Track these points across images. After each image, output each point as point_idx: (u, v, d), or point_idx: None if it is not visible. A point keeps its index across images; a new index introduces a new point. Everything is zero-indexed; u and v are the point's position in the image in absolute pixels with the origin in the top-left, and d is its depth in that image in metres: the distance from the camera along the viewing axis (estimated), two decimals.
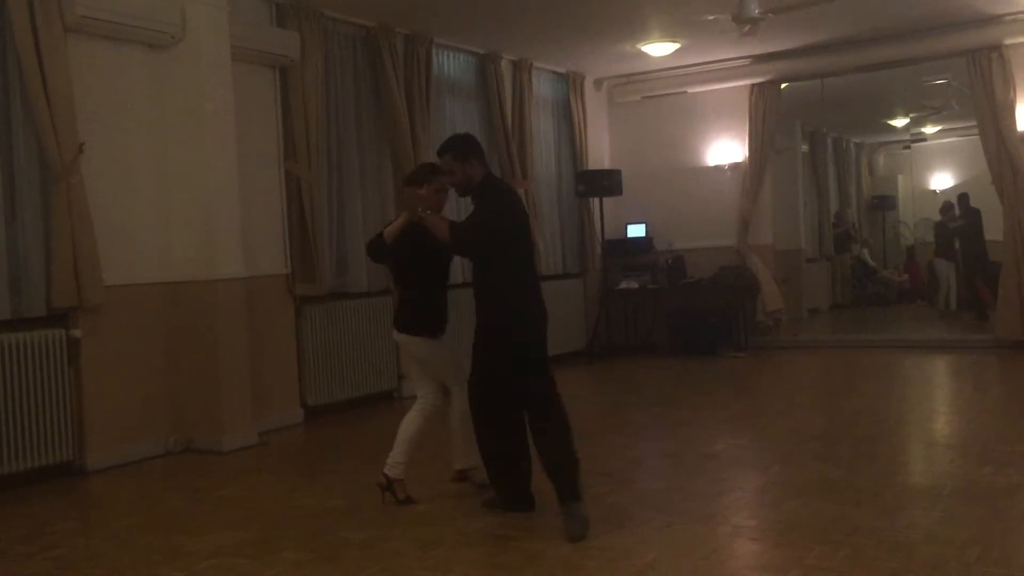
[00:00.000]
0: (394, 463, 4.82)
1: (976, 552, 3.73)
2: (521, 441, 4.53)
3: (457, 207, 7.39)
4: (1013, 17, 9.16)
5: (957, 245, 12.89)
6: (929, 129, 15.71)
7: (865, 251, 16.09)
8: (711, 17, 7.82)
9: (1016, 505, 4.43)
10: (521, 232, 4.62)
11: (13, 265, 5.70)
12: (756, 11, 7.21)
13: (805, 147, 14.38)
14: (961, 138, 15.00)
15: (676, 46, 9.53)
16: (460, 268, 7.57)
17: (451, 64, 9.28)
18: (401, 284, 5.04)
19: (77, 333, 5.93)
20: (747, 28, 7.41)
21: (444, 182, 4.71)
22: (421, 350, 4.91)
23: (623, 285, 10.94)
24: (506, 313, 4.44)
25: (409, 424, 4.86)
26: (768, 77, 10.54)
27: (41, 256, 5.80)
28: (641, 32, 9.15)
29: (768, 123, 10.62)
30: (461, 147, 4.62)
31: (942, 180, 16.93)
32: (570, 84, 10.81)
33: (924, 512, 4.38)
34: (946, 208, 13.13)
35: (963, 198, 12.72)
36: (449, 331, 4.97)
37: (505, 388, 4.45)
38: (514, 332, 4.42)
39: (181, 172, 6.49)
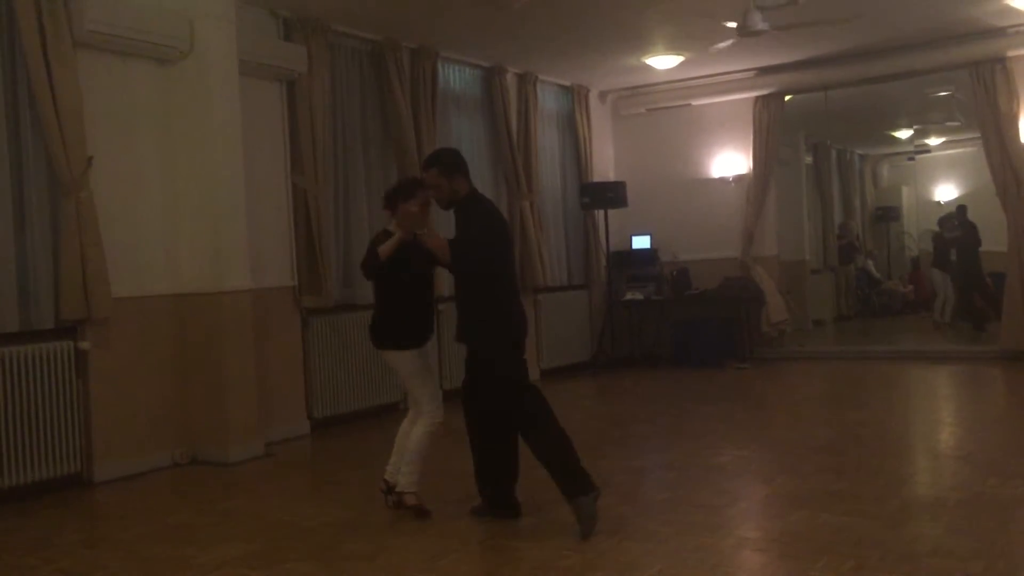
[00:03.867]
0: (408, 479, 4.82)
1: (981, 564, 3.72)
2: (505, 450, 4.65)
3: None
4: (1016, 29, 9.18)
5: (953, 256, 12.73)
6: (933, 141, 15.72)
7: (869, 262, 16.08)
8: (722, 45, 7.90)
9: (1022, 517, 4.43)
10: (506, 248, 4.75)
11: (22, 278, 5.73)
12: (760, 24, 7.24)
13: (809, 159, 14.39)
14: (965, 149, 15.03)
15: (680, 59, 9.57)
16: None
17: (457, 78, 9.33)
18: (386, 299, 4.91)
19: (85, 345, 5.96)
20: (732, 40, 7.44)
21: (429, 196, 4.72)
22: (407, 363, 4.87)
23: (628, 296, 10.95)
24: (487, 327, 4.58)
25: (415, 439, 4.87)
26: (772, 89, 10.57)
27: (50, 269, 5.84)
28: (645, 45, 9.19)
29: (772, 135, 10.65)
30: (448, 162, 4.70)
31: (946, 191, 16.93)
32: (575, 97, 10.86)
33: (929, 524, 4.38)
34: (944, 220, 13.11)
35: (961, 210, 12.73)
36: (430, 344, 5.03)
37: (487, 398, 4.61)
38: (496, 346, 4.57)
39: (189, 185, 6.53)
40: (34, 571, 4.29)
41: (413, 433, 4.86)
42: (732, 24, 7.38)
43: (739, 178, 10.85)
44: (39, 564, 4.38)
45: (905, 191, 17.53)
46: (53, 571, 4.27)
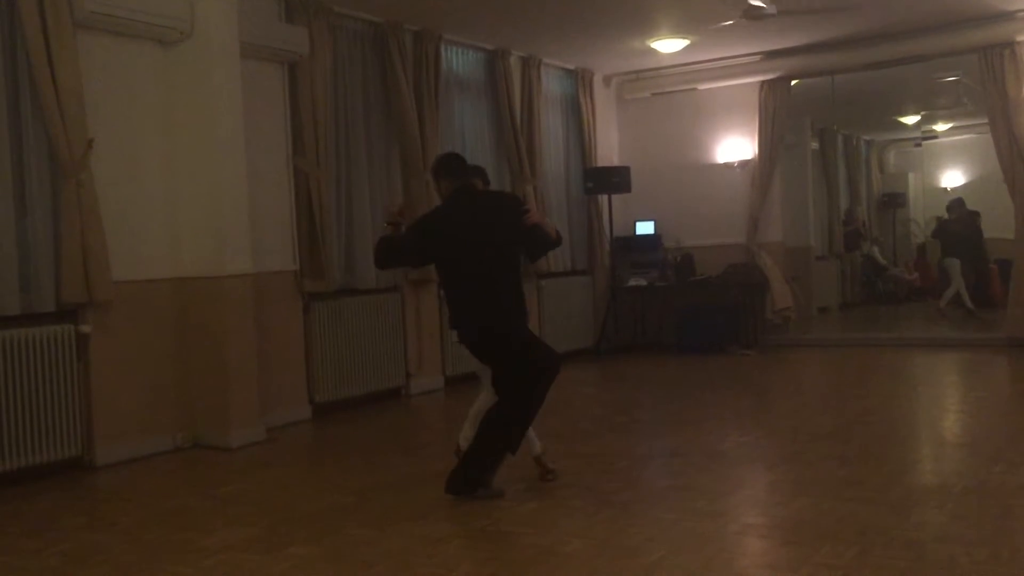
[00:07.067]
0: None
1: (986, 551, 3.70)
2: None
3: None
4: None
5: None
6: (940, 126, 15.62)
7: (875, 249, 16.01)
8: (728, 23, 7.80)
9: None
10: (446, 243, 4.85)
11: (23, 261, 5.70)
12: (768, 8, 7.18)
13: (815, 144, 14.31)
14: (972, 135, 14.93)
15: (686, 42, 9.49)
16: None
17: (460, 60, 9.27)
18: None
19: (86, 329, 5.94)
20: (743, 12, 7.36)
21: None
22: None
23: (631, 282, 10.91)
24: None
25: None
26: (778, 74, 10.50)
27: (50, 252, 5.81)
28: (651, 28, 9.12)
29: (778, 120, 10.58)
30: (433, 168, 5.21)
31: (953, 178, 16.83)
32: (579, 81, 10.79)
33: (934, 511, 4.36)
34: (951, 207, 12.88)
35: (959, 201, 12.76)
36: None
37: None
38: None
39: (190, 168, 6.49)
40: (35, 554, 4.28)
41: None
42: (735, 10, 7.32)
43: (744, 163, 10.79)
44: (41, 547, 4.37)
45: (912, 177, 17.42)
46: (54, 554, 4.26)
